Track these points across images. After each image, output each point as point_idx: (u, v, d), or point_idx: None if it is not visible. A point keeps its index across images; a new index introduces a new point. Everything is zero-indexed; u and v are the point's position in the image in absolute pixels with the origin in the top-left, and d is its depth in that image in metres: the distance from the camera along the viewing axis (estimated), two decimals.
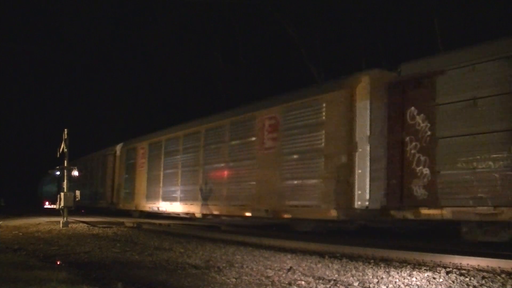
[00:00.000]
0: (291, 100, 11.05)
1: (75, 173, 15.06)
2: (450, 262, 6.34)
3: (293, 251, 7.70)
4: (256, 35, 25.73)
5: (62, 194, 13.59)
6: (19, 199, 42.93)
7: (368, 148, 9.17)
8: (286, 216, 10.73)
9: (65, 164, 13.99)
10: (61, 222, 13.17)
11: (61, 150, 13.94)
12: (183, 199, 14.87)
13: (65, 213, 13.36)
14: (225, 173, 12.94)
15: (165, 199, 15.94)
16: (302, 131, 10.44)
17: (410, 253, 6.94)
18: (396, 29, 19.73)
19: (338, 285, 4.96)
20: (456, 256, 6.45)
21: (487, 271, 5.67)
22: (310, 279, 5.28)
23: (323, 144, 9.85)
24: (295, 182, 10.48)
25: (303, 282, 5.10)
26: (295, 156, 10.57)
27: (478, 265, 6.07)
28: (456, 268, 5.92)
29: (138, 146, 18.72)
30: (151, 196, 17.08)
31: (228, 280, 5.23)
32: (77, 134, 19.88)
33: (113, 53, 40.44)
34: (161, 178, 16.41)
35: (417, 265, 6.18)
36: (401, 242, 8.57)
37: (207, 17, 26.74)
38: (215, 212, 13.32)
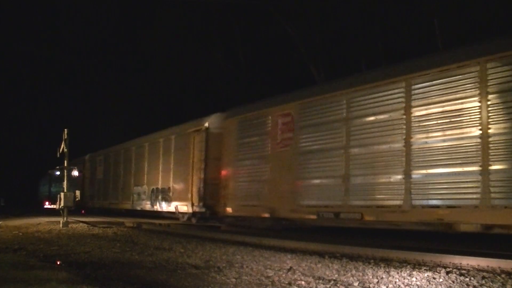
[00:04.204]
0: None
1: (75, 173, 15.10)
2: (450, 262, 6.34)
3: (293, 251, 7.70)
4: (256, 35, 25.76)
5: (62, 194, 13.63)
6: (19, 199, 43.01)
7: None
8: None
9: (65, 164, 14.02)
10: (61, 222, 13.19)
11: (61, 150, 13.96)
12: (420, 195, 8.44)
13: (65, 213, 13.38)
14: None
15: (360, 195, 9.54)
16: None
17: (410, 253, 6.95)
18: (396, 29, 19.73)
19: (338, 285, 4.96)
20: (456, 256, 6.45)
21: (487, 271, 5.67)
22: (310, 279, 5.28)
23: None
24: None
25: (303, 282, 5.10)
26: None
27: (478, 265, 6.07)
28: (456, 268, 5.92)
29: (269, 113, 11.91)
30: (316, 191, 10.51)
31: (228, 280, 5.23)
32: (77, 134, 19.81)
33: (113, 53, 40.45)
34: (348, 160, 9.82)
35: (417, 265, 6.18)
36: (401, 242, 8.56)
37: (207, 17, 26.78)
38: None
